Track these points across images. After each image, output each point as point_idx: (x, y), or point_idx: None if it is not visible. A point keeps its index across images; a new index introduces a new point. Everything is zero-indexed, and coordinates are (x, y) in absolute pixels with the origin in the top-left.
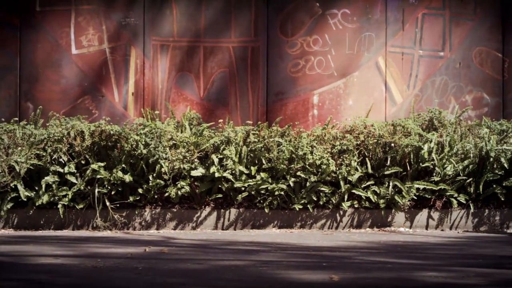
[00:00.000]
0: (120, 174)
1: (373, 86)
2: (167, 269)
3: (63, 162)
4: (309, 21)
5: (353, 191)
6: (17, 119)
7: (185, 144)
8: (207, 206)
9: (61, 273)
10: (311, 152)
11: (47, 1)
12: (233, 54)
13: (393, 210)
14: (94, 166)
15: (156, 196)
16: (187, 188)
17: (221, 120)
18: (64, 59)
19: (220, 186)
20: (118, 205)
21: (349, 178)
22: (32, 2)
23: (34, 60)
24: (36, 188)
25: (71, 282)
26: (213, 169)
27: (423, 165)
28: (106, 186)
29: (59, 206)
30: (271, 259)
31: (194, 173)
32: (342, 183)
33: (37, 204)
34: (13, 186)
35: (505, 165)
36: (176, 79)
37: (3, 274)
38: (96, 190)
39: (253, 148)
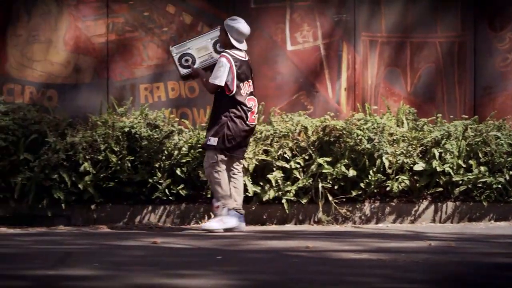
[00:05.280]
0: (343, 168)
1: None
2: (492, 263)
3: (287, 157)
4: None
5: None
6: None
7: (404, 138)
8: (424, 200)
9: (394, 268)
10: None
11: None
12: (439, 49)
13: None
14: (320, 160)
15: (375, 191)
16: (407, 182)
17: (439, 115)
18: (280, 55)
19: (437, 179)
20: (344, 199)
21: None
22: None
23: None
24: (261, 183)
25: (427, 278)
26: (434, 163)
27: None
28: (328, 180)
29: (283, 201)
30: None
31: (416, 167)
32: None
33: (263, 199)
34: None
35: None
36: (385, 74)
37: (334, 269)
38: (320, 184)
39: (471, 142)
